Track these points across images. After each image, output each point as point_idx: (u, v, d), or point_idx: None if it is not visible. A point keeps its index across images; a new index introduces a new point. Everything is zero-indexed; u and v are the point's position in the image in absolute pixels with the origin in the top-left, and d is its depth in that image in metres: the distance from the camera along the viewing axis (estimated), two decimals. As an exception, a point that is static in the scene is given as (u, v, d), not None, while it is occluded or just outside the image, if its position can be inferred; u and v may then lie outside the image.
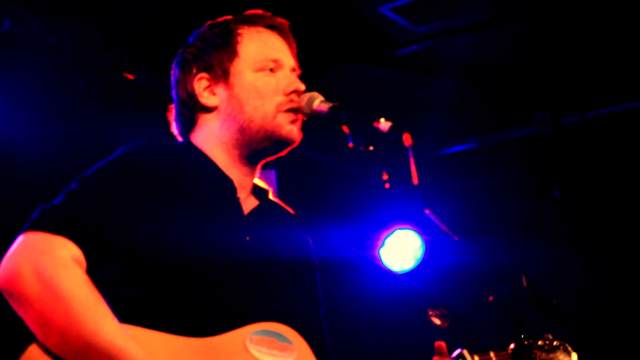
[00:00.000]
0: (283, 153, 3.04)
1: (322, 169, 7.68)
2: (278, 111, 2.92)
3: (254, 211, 2.98)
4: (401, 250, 7.53)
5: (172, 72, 3.07)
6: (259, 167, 3.05)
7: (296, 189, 7.12)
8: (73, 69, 5.77)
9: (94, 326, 2.42)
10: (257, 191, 3.06)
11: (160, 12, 5.63)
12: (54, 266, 2.46)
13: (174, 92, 3.05)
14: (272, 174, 6.89)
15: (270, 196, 3.11)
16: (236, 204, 2.93)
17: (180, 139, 3.06)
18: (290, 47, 3.10)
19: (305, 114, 2.95)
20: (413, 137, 2.66)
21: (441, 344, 2.96)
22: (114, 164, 2.77)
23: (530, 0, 5.77)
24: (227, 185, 2.93)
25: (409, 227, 7.60)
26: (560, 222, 7.35)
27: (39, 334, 2.45)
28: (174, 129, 3.07)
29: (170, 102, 3.10)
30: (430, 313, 3.11)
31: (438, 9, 5.91)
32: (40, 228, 2.54)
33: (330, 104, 2.89)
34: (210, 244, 2.77)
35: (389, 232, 7.62)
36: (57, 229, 2.53)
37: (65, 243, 2.52)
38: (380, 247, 7.55)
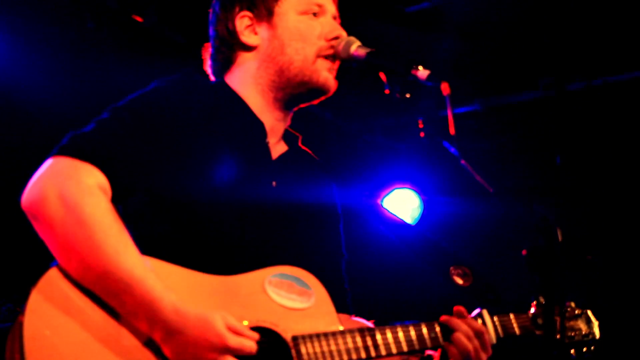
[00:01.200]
0: (316, 101, 3.01)
1: (323, 123, 7.64)
2: (318, 56, 2.90)
3: (282, 157, 2.97)
4: (400, 209, 7.55)
5: (211, 9, 3.03)
6: (292, 113, 3.02)
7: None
8: (83, 10, 5.70)
9: (114, 254, 2.41)
10: (288, 137, 3.04)
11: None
12: (79, 192, 2.44)
13: (211, 29, 3.01)
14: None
15: (300, 143, 3.09)
16: (265, 148, 2.91)
17: (213, 78, 3.03)
18: None
19: (341, 58, 2.92)
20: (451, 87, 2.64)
21: (460, 309, 2.95)
22: (147, 97, 2.75)
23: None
24: (257, 128, 2.91)
25: (407, 186, 7.61)
26: (560, 190, 7.34)
27: (60, 258, 2.45)
28: (208, 67, 3.04)
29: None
30: (452, 271, 3.10)
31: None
32: (69, 153, 2.52)
33: (368, 50, 2.86)
34: (236, 186, 2.76)
35: (387, 191, 7.63)
36: (85, 155, 2.52)
37: (92, 170, 2.51)
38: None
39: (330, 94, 2.98)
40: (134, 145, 2.61)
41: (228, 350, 2.42)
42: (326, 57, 2.92)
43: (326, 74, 2.92)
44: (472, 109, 7.40)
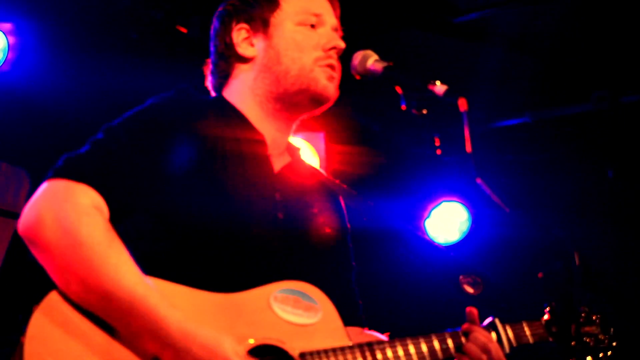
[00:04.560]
0: (318, 112, 2.97)
1: (372, 135, 7.58)
2: (315, 65, 2.86)
3: (284, 169, 2.92)
4: (447, 222, 7.44)
5: (212, 26, 3.03)
6: (293, 124, 2.98)
7: (344, 153, 7.05)
8: (127, 20, 5.73)
9: (114, 274, 2.37)
10: (290, 150, 3.00)
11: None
12: (75, 213, 2.42)
13: (211, 45, 3.04)
14: (321, 137, 6.85)
15: (301, 155, 3.04)
16: (266, 160, 2.87)
17: (213, 93, 3.02)
18: (334, 9, 3.05)
19: (358, 72, 2.87)
20: (468, 105, 2.57)
21: (472, 310, 2.88)
22: (142, 114, 2.74)
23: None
24: (257, 141, 2.86)
25: (456, 199, 7.50)
26: (612, 203, 7.18)
27: (59, 282, 2.41)
28: (208, 83, 3.04)
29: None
30: (462, 280, 3.02)
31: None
32: (63, 175, 2.51)
33: (385, 64, 2.82)
34: (238, 201, 2.72)
35: (436, 203, 7.52)
36: (79, 176, 2.50)
37: (87, 190, 2.49)
38: (426, 219, 7.46)
39: (331, 103, 2.94)
40: (130, 163, 2.58)
41: None
42: (325, 66, 2.88)
43: (325, 82, 2.88)
44: (521, 121, 7.28)
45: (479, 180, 2.49)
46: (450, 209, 7.49)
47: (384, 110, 7.11)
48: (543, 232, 2.44)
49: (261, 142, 2.87)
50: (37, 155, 6.37)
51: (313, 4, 2.99)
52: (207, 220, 2.64)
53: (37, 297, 2.39)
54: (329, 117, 6.58)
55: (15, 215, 6.39)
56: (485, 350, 2.77)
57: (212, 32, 3.04)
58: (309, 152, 6.63)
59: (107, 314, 2.39)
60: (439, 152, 2.64)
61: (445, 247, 6.92)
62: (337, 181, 3.13)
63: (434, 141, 2.67)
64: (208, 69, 3.05)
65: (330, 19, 2.99)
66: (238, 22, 2.99)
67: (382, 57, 2.89)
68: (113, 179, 2.53)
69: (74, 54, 5.60)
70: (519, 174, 7.46)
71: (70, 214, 2.41)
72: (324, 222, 2.95)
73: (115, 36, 5.73)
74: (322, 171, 3.15)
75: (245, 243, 2.68)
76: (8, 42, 5.35)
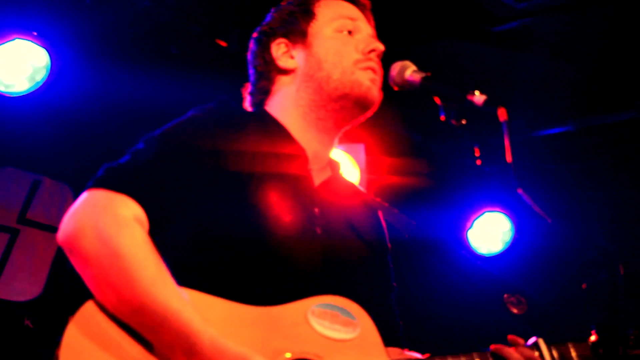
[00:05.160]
0: (362, 119, 2.94)
1: (413, 146, 7.54)
2: (357, 67, 2.84)
3: (324, 184, 2.89)
4: (490, 232, 7.37)
5: (249, 51, 3.03)
6: (336, 137, 2.96)
7: (384, 164, 7.02)
8: (167, 34, 5.76)
9: (150, 286, 2.35)
10: (331, 165, 2.98)
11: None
12: (114, 224, 2.40)
13: (250, 68, 3.02)
14: (361, 148, 6.83)
15: (342, 171, 3.02)
16: (306, 175, 2.85)
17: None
18: (368, 19, 3.04)
19: (396, 84, 2.84)
20: (508, 114, 2.53)
21: (515, 338, 2.81)
22: (183, 125, 2.71)
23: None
24: (298, 154, 2.84)
25: (499, 209, 7.43)
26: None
27: (96, 292, 2.40)
28: (247, 103, 3.02)
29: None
30: (507, 299, 2.96)
31: (540, -16, 5.73)
32: (104, 185, 2.49)
33: (423, 74, 2.78)
34: (278, 214, 2.69)
35: (478, 214, 7.46)
36: (120, 187, 2.48)
37: (128, 202, 2.47)
38: (469, 229, 7.40)
39: (375, 107, 2.90)
40: (171, 175, 2.57)
41: None
42: (367, 68, 2.86)
43: (368, 84, 2.86)
44: (565, 130, 7.20)
45: (519, 191, 2.45)
46: (493, 219, 7.42)
47: (426, 121, 7.08)
48: (587, 243, 2.39)
49: (302, 155, 2.85)
50: (80, 170, 6.44)
51: (348, 10, 2.99)
52: (244, 232, 2.61)
53: (73, 308, 2.40)
54: (370, 128, 6.57)
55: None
56: None
57: (249, 56, 3.05)
58: (350, 164, 6.60)
59: (140, 326, 2.37)
60: (479, 162, 2.61)
61: (488, 259, 6.87)
62: (378, 199, 3.10)
63: (474, 151, 2.63)
64: (246, 91, 3.04)
65: (366, 27, 2.99)
66: (276, 38, 2.99)
67: (421, 67, 2.86)
68: (154, 191, 2.52)
69: (114, 70, 5.63)
70: (562, 184, 7.38)
71: (110, 224, 2.40)
72: (364, 240, 2.91)
73: (155, 51, 5.76)
74: (362, 188, 3.12)
75: (282, 256, 2.65)
76: (50, 59, 5.40)
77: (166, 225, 2.57)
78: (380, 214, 3.09)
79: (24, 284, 6.25)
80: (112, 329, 2.38)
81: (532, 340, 2.85)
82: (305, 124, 2.89)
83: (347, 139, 6.75)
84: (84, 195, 2.50)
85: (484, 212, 7.45)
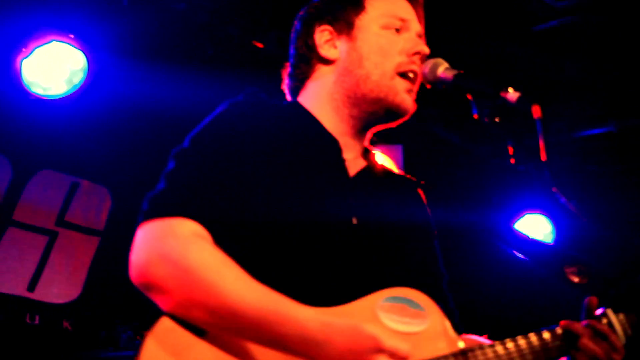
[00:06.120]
0: (393, 124, 2.88)
1: (451, 148, 7.48)
2: (397, 73, 2.78)
3: (360, 173, 2.84)
4: (531, 235, 7.29)
5: (293, 29, 2.97)
6: (367, 135, 2.91)
7: (423, 166, 6.97)
8: (204, 36, 5.77)
9: (234, 289, 2.30)
10: (365, 154, 2.93)
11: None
12: (179, 244, 2.35)
13: (291, 48, 2.96)
14: (399, 149, 6.79)
15: (377, 158, 2.96)
16: (341, 165, 2.79)
17: (289, 97, 2.96)
18: (419, 16, 2.96)
19: (428, 81, 2.79)
20: (543, 111, 2.47)
21: (592, 299, 2.70)
22: (212, 128, 2.64)
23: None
24: (332, 145, 2.79)
25: (539, 211, 7.36)
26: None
27: (186, 316, 2.33)
28: (285, 86, 2.97)
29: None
30: (567, 270, 2.87)
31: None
32: (154, 216, 2.42)
33: (455, 72, 2.72)
34: (313, 207, 2.62)
35: (519, 216, 7.39)
36: (170, 211, 2.42)
37: (183, 222, 2.40)
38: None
39: (408, 117, 2.84)
40: (212, 183, 2.50)
41: (383, 351, 2.27)
42: (406, 77, 2.80)
43: (404, 95, 2.79)
44: (606, 130, 7.10)
45: (554, 190, 2.40)
46: (534, 221, 7.34)
47: (464, 122, 7.02)
48: (628, 243, 2.33)
49: (336, 146, 2.80)
50: (118, 173, 6.49)
51: (399, 8, 2.91)
52: (292, 232, 2.55)
53: (144, 322, 2.32)
54: (408, 129, 6.53)
55: (98, 233, 6.50)
56: (600, 342, 2.60)
57: (292, 34, 2.97)
58: (388, 165, 6.58)
59: (238, 331, 2.32)
60: (512, 161, 2.55)
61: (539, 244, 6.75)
62: (414, 179, 3.03)
63: (507, 150, 2.57)
64: (286, 72, 2.99)
65: (416, 25, 2.90)
66: (321, 24, 2.90)
67: (462, 67, 2.80)
68: (202, 203, 2.46)
69: (150, 72, 5.65)
70: (603, 184, 7.28)
71: (174, 246, 2.35)
72: (406, 227, 2.84)
73: (192, 52, 5.77)
74: (398, 171, 3.04)
75: (336, 253, 2.58)
76: (88, 62, 5.43)
77: (225, 233, 2.49)
78: (421, 192, 3.01)
79: (63, 286, 6.29)
80: (191, 343, 2.33)
81: (599, 310, 2.73)
82: (337, 118, 2.83)
83: (385, 140, 6.73)
84: (139, 233, 2.43)
85: (525, 214, 7.38)
